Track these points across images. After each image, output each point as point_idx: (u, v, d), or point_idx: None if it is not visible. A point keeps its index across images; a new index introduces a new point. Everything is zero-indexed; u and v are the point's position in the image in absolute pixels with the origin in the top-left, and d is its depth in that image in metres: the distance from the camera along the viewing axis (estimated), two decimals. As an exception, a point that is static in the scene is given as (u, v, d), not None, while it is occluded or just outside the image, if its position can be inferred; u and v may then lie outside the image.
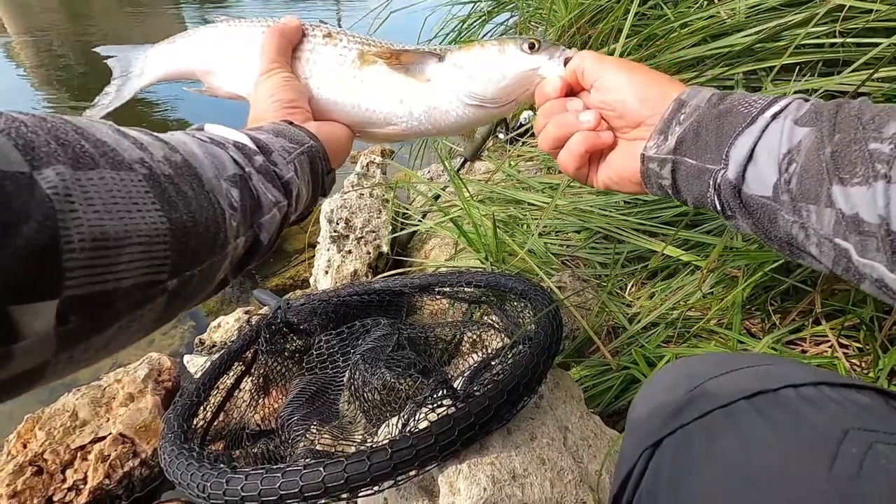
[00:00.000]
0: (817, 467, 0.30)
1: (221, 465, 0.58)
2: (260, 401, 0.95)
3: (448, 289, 1.00)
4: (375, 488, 0.53)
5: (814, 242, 0.34)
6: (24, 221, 0.19)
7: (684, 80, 0.92)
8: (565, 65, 0.49)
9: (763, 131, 0.36)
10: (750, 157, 0.37)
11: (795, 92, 0.79)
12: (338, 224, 1.32)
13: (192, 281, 0.29)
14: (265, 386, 0.97)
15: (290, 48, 0.55)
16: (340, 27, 0.57)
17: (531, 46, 0.50)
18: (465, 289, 0.97)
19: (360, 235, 1.31)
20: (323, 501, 0.53)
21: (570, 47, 0.50)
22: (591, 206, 1.06)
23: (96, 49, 0.68)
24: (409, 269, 1.28)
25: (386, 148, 2.00)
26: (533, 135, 1.46)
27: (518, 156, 1.34)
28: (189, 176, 0.30)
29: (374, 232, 1.33)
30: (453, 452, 0.54)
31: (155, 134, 0.32)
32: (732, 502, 0.33)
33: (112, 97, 0.66)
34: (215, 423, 0.87)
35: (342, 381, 0.90)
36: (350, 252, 1.29)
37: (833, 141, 0.33)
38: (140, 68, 0.66)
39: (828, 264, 0.34)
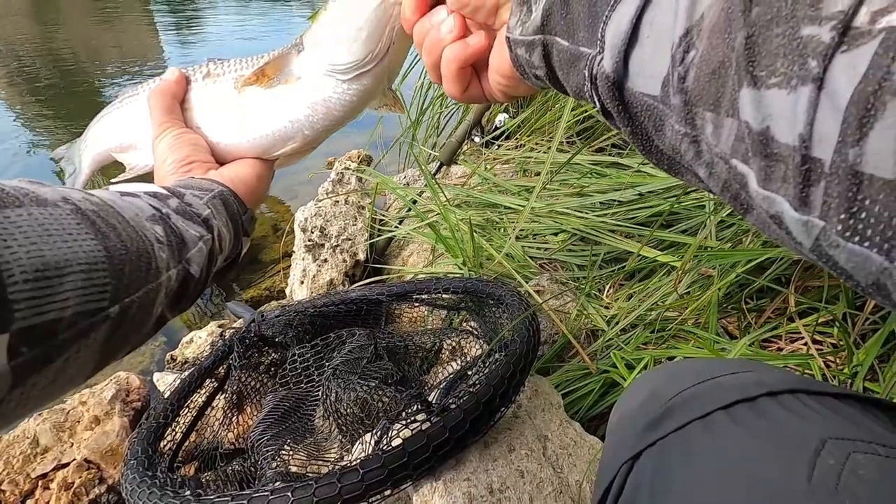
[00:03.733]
0: (796, 479, 0.30)
1: (185, 493, 0.55)
2: (234, 418, 0.92)
3: (426, 296, 0.98)
4: (348, 511, 0.50)
5: (704, 161, 0.26)
6: None
7: None
8: None
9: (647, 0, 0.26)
10: (632, 38, 0.26)
11: None
12: (312, 233, 1.29)
13: (132, 308, 0.30)
14: (239, 403, 0.94)
15: (177, 102, 0.54)
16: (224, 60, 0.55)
17: None
18: (443, 295, 0.95)
19: (335, 244, 1.28)
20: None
21: None
22: (567, 209, 1.05)
23: (53, 153, 0.73)
24: (386, 276, 1.26)
25: (363, 152, 1.98)
26: (508, 137, 1.46)
27: (494, 159, 1.33)
28: (112, 213, 0.31)
29: (350, 240, 1.30)
30: (428, 470, 0.52)
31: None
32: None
33: None
34: (186, 444, 0.83)
35: (317, 395, 0.87)
36: (326, 261, 1.26)
37: (749, 19, 0.22)
38: (77, 165, 0.67)
39: (714, 189, 0.26)
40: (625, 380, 0.78)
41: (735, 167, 0.24)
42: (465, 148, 1.46)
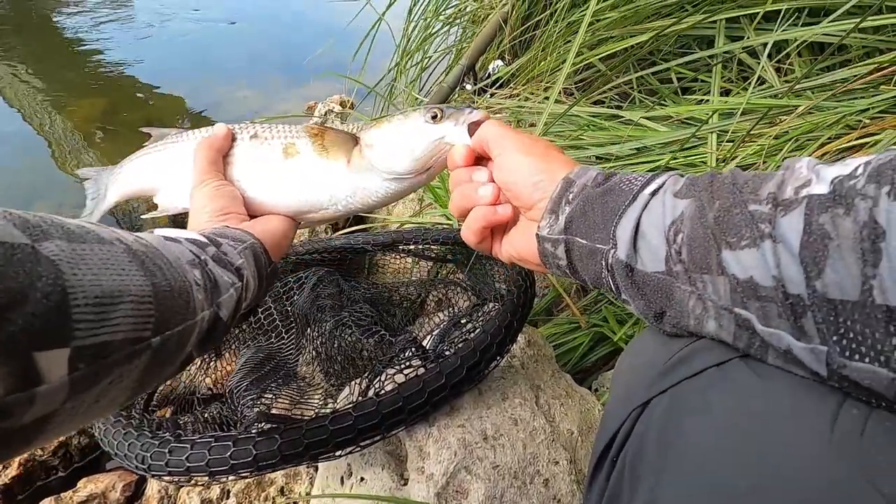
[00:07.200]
0: (819, 428, 0.29)
1: (164, 434, 0.52)
2: (211, 363, 0.89)
3: (413, 246, 0.95)
4: (337, 454, 0.49)
5: (712, 315, 0.33)
6: (38, 279, 0.24)
7: (664, 27, 0.87)
8: (470, 131, 0.49)
9: (645, 207, 0.37)
10: (636, 233, 0.36)
11: (776, 41, 0.77)
12: (294, 176, 1.22)
13: (171, 342, 0.33)
14: (217, 348, 0.91)
15: (221, 156, 0.58)
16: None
17: (434, 116, 0.51)
18: (432, 246, 0.92)
19: (318, 189, 1.22)
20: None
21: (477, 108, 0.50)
22: (562, 161, 1.01)
23: (79, 171, 0.75)
24: (370, 225, 1.22)
25: (345, 99, 1.89)
26: (501, 85, 1.40)
27: (487, 107, 1.27)
28: (158, 255, 0.34)
29: (333, 186, 1.24)
30: (422, 416, 0.51)
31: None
32: (725, 462, 0.31)
33: (89, 217, 0.71)
34: (162, 387, 0.80)
35: (293, 342, 0.85)
36: (308, 207, 1.21)
37: (714, 207, 0.33)
38: (102, 192, 0.71)
39: (728, 339, 0.33)
40: (615, 334, 0.77)
41: (739, 314, 0.31)
42: (456, 95, 1.40)
